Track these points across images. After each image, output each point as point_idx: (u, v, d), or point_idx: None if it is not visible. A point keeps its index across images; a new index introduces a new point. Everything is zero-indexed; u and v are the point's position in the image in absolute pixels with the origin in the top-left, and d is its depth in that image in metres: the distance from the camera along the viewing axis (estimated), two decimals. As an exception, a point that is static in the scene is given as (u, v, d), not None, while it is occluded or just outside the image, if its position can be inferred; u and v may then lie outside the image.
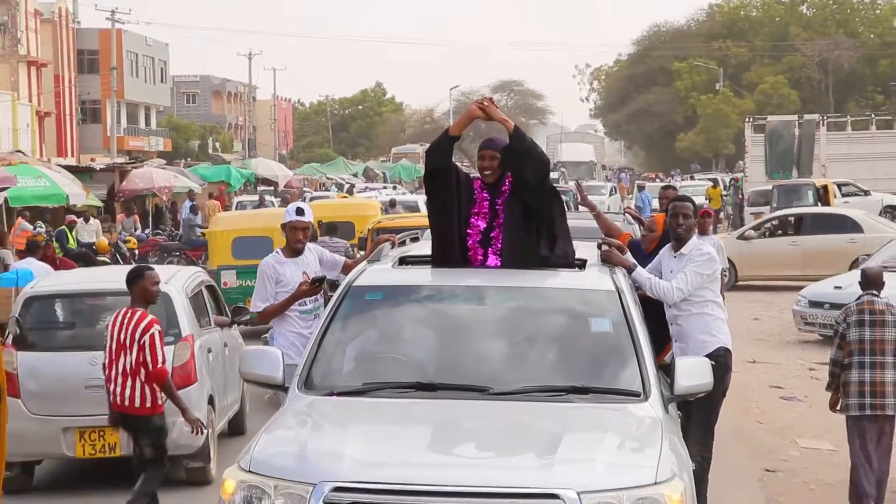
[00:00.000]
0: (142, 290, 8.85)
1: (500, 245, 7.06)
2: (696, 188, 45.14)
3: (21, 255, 17.12)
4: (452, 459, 5.70)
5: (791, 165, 41.80)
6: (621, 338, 6.56)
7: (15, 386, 10.12)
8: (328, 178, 65.86)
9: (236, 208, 36.25)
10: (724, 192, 45.64)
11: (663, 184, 33.39)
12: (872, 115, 49.15)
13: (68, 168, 31.77)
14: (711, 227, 14.04)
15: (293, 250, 8.92)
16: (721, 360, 8.08)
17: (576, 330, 6.75)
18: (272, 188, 52.78)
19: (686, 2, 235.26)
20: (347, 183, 62.74)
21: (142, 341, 8.68)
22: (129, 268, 9.83)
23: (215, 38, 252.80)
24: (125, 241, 27.63)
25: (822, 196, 34.16)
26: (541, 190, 7.07)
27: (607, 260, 7.37)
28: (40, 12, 68.68)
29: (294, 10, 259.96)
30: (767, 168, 41.66)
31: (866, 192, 36.01)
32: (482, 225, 7.11)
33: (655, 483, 5.44)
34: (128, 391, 8.76)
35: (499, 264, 7.05)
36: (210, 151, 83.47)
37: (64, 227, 25.49)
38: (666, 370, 6.75)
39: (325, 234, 16.53)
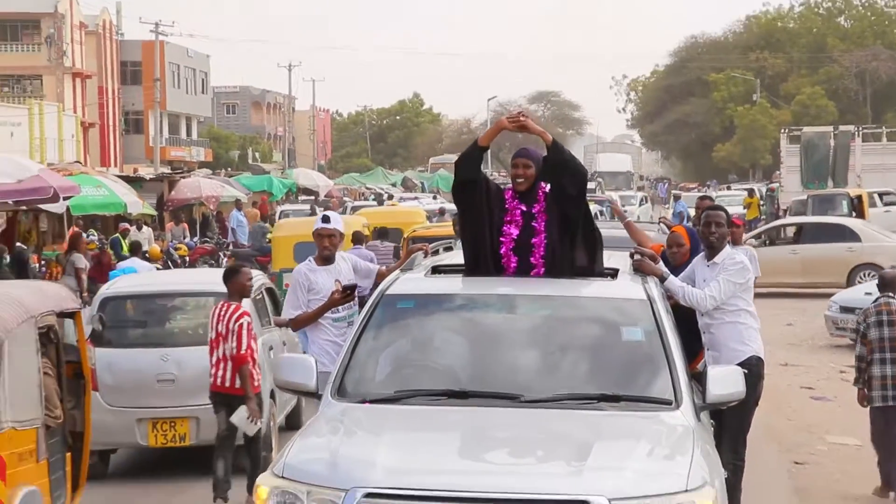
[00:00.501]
0: (238, 285, 9.78)
1: (542, 251, 7.10)
2: (731, 198, 45.65)
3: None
4: (483, 466, 5.73)
5: (826, 176, 42.17)
6: (653, 346, 6.57)
7: (93, 380, 10.90)
8: (367, 188, 66.68)
9: (279, 217, 37.18)
10: (761, 202, 46.08)
11: (700, 194, 33.90)
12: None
13: (120, 178, 32.76)
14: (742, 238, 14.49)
15: (323, 258, 8.99)
16: (753, 369, 8.13)
17: (608, 339, 6.79)
18: (313, 198, 53.70)
19: (723, 13, 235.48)
20: (386, 193, 63.63)
21: (234, 329, 9.51)
22: (191, 271, 10.67)
23: (255, 49, 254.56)
24: (176, 249, 28.55)
25: (857, 206, 34.61)
26: (579, 200, 7.19)
27: (639, 269, 7.42)
28: (85, 25, 69.96)
29: (333, 21, 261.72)
30: (803, 178, 42.07)
31: None
32: (515, 233, 7.14)
33: (686, 490, 5.45)
34: (228, 374, 9.62)
35: (541, 272, 7.10)
36: (250, 161, 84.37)
37: (118, 234, 26.46)
38: (698, 379, 6.74)
39: (376, 239, 17.69)
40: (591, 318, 6.85)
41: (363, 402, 6.38)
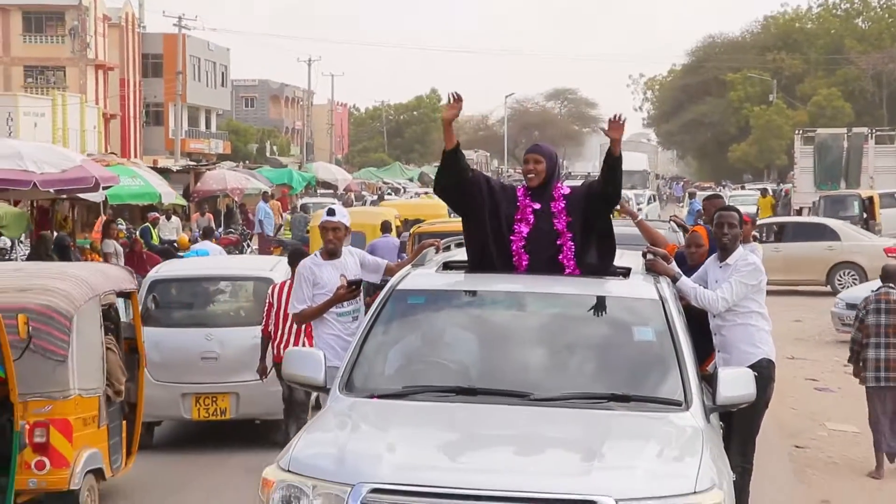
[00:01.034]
0: None
1: (572, 249, 7.15)
2: (745, 198, 46.19)
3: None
4: (491, 464, 5.65)
5: (839, 177, 42.59)
6: (664, 347, 6.53)
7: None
8: (384, 183, 67.46)
9: (301, 210, 38.04)
10: (776, 203, 46.54)
11: (710, 193, 34.47)
12: (920, 129, 49.96)
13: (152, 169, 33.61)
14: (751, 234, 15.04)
15: (328, 252, 8.82)
16: (764, 372, 8.08)
17: (618, 338, 6.75)
18: (332, 191, 54.52)
19: (741, 14, 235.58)
20: (402, 187, 64.36)
21: None
22: (233, 257, 11.47)
23: (274, 43, 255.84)
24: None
25: (868, 207, 35.18)
26: (609, 210, 7.38)
27: (652, 269, 7.39)
28: (108, 17, 70.81)
29: (353, 17, 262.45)
30: (816, 179, 42.50)
31: None
32: (525, 230, 7.15)
33: (694, 492, 5.43)
34: (291, 346, 10.43)
35: (578, 272, 7.14)
36: (268, 155, 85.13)
37: (148, 224, 27.30)
38: (709, 380, 6.69)
39: (405, 230, 18.78)
40: (601, 317, 6.85)
41: (371, 397, 6.36)
